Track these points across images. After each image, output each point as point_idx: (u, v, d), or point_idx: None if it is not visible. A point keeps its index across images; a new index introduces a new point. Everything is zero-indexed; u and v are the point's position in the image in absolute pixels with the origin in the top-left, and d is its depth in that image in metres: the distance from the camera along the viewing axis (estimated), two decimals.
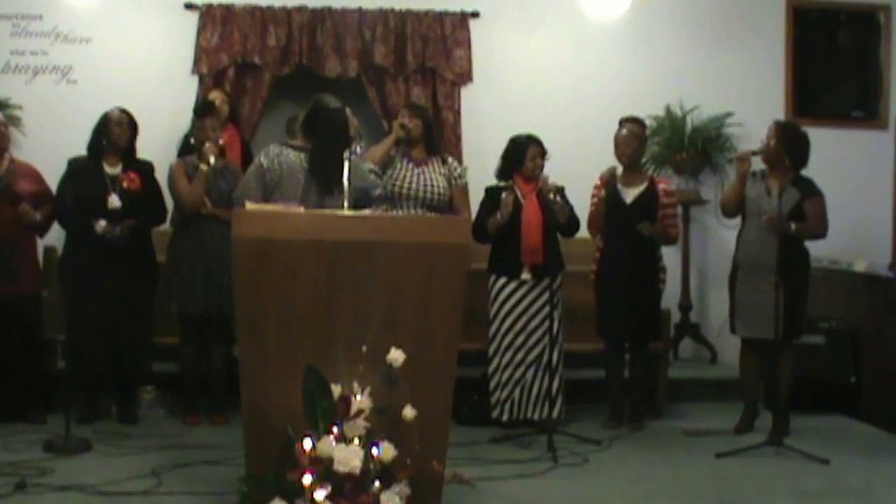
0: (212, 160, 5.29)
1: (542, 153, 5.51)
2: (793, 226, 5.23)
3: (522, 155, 5.51)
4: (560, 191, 5.34)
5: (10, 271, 5.29)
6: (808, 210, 5.35)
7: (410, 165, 5.54)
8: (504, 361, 5.51)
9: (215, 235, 5.35)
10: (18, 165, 5.46)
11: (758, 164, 5.56)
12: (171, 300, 5.44)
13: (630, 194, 5.59)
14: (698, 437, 5.46)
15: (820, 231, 5.43)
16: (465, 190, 5.68)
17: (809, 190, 5.38)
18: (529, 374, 5.49)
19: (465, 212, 5.56)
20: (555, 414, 5.37)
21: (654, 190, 5.63)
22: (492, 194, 5.60)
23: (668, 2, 7.13)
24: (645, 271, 5.59)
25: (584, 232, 5.74)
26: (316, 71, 6.77)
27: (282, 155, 4.51)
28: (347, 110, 4.80)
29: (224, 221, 5.15)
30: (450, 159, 5.73)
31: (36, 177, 5.48)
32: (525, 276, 5.48)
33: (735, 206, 5.59)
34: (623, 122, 5.72)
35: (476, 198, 5.69)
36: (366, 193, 4.56)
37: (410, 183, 5.47)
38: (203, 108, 5.68)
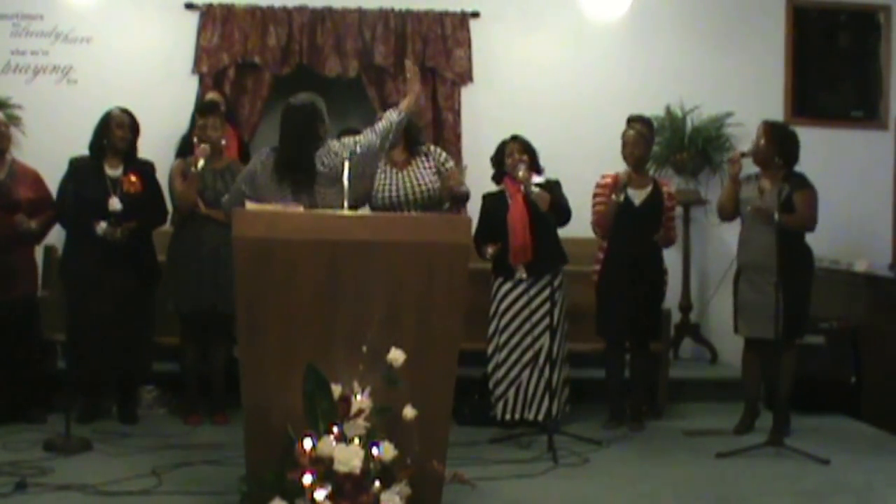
0: (200, 163, 5.28)
1: (523, 149, 5.50)
2: (776, 215, 5.21)
3: (503, 154, 5.54)
4: (539, 184, 5.35)
5: (7, 273, 5.28)
6: (796, 201, 5.34)
7: (393, 171, 5.46)
8: (500, 360, 5.53)
9: (211, 235, 5.34)
10: (20, 169, 5.44)
11: (753, 167, 5.57)
12: (167, 299, 5.46)
13: (638, 196, 5.59)
14: (698, 437, 5.46)
15: (807, 222, 5.39)
16: (455, 173, 5.57)
17: (800, 183, 5.38)
18: (525, 374, 5.49)
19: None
20: (554, 412, 5.35)
21: (660, 193, 5.63)
22: (487, 203, 5.62)
23: (668, 2, 7.13)
24: (650, 273, 5.60)
25: (583, 232, 5.75)
26: (316, 71, 6.77)
27: (269, 157, 4.58)
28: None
29: (218, 222, 5.16)
30: (432, 148, 5.63)
31: (37, 182, 5.46)
32: (520, 274, 5.48)
33: (731, 210, 5.59)
34: (631, 121, 5.70)
35: (476, 200, 5.68)
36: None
37: (397, 187, 5.41)
38: (206, 107, 5.67)
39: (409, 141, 5.48)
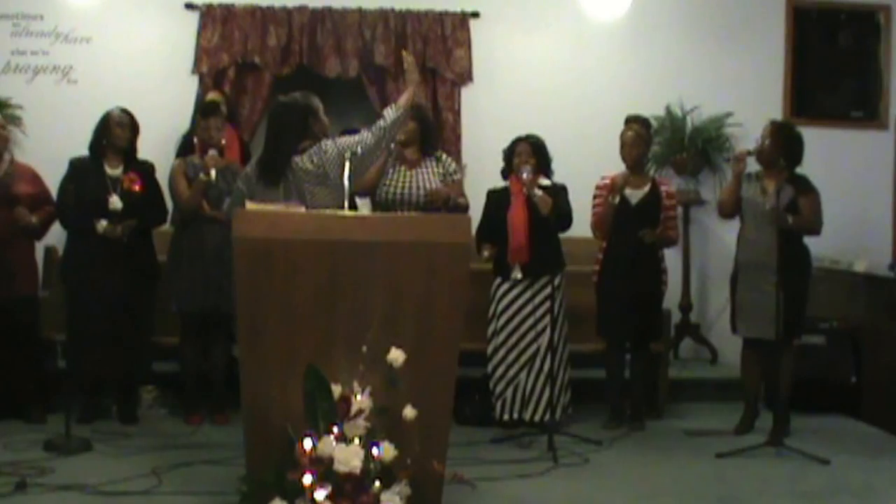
0: (213, 174, 5.28)
1: (532, 152, 5.49)
2: (790, 218, 5.23)
3: (513, 152, 5.54)
4: (544, 186, 5.37)
5: (7, 272, 5.28)
6: (802, 206, 5.35)
7: (403, 169, 5.49)
8: (498, 360, 5.53)
9: (214, 235, 5.35)
10: (18, 167, 5.45)
11: (753, 165, 5.57)
12: (170, 299, 5.45)
13: (635, 196, 5.59)
14: (698, 437, 5.46)
15: (814, 226, 5.42)
16: (460, 185, 5.64)
17: (804, 186, 5.40)
18: (522, 375, 5.49)
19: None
20: (557, 415, 5.35)
21: (658, 192, 5.63)
22: (492, 198, 5.62)
23: (668, 2, 7.13)
24: (648, 272, 5.59)
25: (583, 232, 5.74)
26: (316, 71, 6.77)
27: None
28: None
29: (222, 222, 5.16)
30: (444, 156, 5.66)
31: (35, 179, 5.48)
32: (516, 275, 5.48)
33: (732, 207, 5.60)
34: (629, 121, 5.70)
35: (476, 199, 5.68)
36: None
37: (404, 186, 5.43)
38: (207, 108, 5.67)
39: (424, 142, 5.53)
